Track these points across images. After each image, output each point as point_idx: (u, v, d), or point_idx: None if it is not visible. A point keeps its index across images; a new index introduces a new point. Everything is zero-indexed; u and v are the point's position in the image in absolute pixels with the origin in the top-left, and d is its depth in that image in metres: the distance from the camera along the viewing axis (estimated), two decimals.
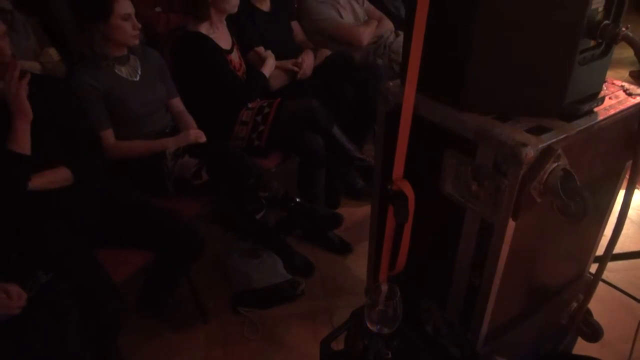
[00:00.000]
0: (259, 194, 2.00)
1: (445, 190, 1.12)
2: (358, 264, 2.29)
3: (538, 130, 0.99)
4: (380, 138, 1.29)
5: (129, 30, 1.88)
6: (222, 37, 2.29)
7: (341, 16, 2.84)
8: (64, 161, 1.69)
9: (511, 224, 1.01)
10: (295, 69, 2.55)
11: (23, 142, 1.55)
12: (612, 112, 1.09)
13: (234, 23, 2.38)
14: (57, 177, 1.66)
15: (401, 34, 2.93)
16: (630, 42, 0.95)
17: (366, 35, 2.81)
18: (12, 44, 1.66)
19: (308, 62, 2.57)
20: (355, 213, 2.54)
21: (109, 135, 1.94)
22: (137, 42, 1.95)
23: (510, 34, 0.96)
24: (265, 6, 2.60)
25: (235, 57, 2.34)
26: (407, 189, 1.16)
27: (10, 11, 2.38)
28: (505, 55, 0.98)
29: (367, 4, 3.03)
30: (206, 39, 2.18)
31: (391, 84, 1.20)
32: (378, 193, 1.36)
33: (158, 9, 2.95)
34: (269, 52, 2.46)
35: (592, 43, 1.02)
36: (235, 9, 2.27)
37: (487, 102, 1.03)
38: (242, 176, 1.94)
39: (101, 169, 1.82)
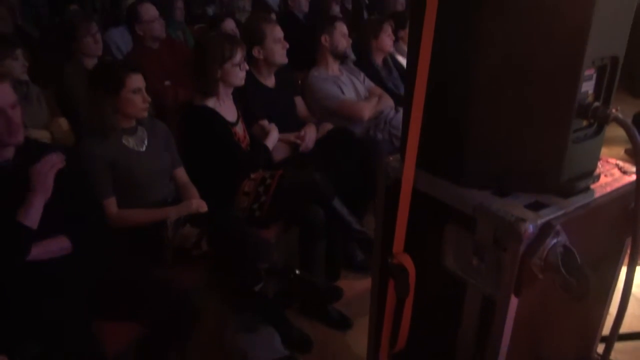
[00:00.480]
0: (259, 265, 1.98)
1: (446, 264, 1.12)
2: (358, 340, 2.22)
3: (536, 206, 1.00)
4: (381, 211, 1.30)
5: (139, 104, 1.96)
6: (228, 110, 2.37)
7: (343, 93, 2.95)
8: (63, 230, 1.69)
9: (514, 300, 1.00)
10: (298, 141, 2.61)
11: (34, 217, 1.58)
12: (609, 189, 1.11)
13: (240, 96, 2.47)
14: (56, 246, 1.66)
15: (401, 110, 3.03)
16: (621, 124, 0.99)
17: (367, 110, 2.91)
18: (24, 113, 1.72)
19: (310, 135, 2.64)
20: (356, 286, 2.50)
21: (111, 203, 1.96)
22: (145, 114, 2.02)
23: (505, 113, 1.00)
24: (270, 82, 2.72)
25: (240, 129, 2.41)
26: (408, 263, 1.15)
27: (27, 82, 2.49)
28: (501, 134, 1.02)
29: (367, 81, 3.16)
30: (213, 112, 2.26)
31: (391, 158, 1.23)
32: (378, 266, 1.35)
33: (167, 83, 3.09)
34: (273, 125, 2.54)
35: (585, 122, 1.06)
36: (242, 82, 2.37)
37: (485, 178, 1.05)
38: (241, 247, 1.93)
39: (101, 238, 1.82)
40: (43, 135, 2.38)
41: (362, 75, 3.16)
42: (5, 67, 2.32)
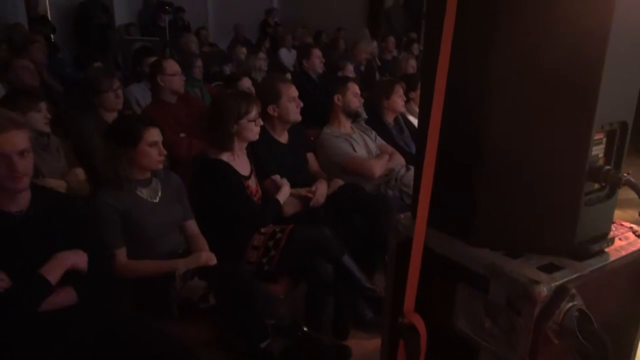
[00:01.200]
0: (266, 321, 1.95)
1: (458, 326, 1.09)
2: None
3: (550, 268, 0.99)
4: (391, 270, 1.29)
5: (155, 156, 2.00)
6: (242, 164, 2.41)
7: (355, 150, 3.00)
8: (70, 279, 1.69)
9: None
10: (309, 196, 2.63)
11: (56, 274, 1.61)
12: (624, 253, 1.09)
13: (254, 151, 2.52)
14: (63, 298, 1.65)
15: (412, 168, 3.05)
16: (633, 187, 0.99)
17: (378, 168, 2.94)
18: (44, 163, 1.76)
19: (321, 190, 2.66)
20: (365, 346, 2.42)
21: (121, 254, 1.96)
22: (161, 166, 2.06)
23: (517, 175, 1.01)
24: (284, 138, 2.77)
25: (252, 183, 2.44)
26: (419, 323, 1.13)
27: (48, 134, 2.57)
28: (513, 194, 1.02)
29: (379, 139, 3.21)
30: (227, 165, 2.30)
31: (402, 216, 1.24)
32: (388, 326, 1.32)
33: (182, 135, 3.17)
34: (285, 180, 2.57)
35: (597, 185, 1.07)
36: (257, 137, 2.42)
37: (497, 239, 1.05)
38: (249, 302, 1.90)
39: (107, 290, 1.81)
40: (59, 185, 2.42)
41: (373, 133, 3.22)
42: (28, 119, 2.40)
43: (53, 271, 1.61)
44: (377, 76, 5.85)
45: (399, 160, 3.10)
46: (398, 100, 3.38)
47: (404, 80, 3.64)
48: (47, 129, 2.56)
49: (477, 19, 0.97)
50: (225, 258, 2.11)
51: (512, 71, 0.96)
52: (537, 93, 0.96)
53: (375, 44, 6.80)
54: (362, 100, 3.16)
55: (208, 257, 2.04)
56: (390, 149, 3.16)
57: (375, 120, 3.38)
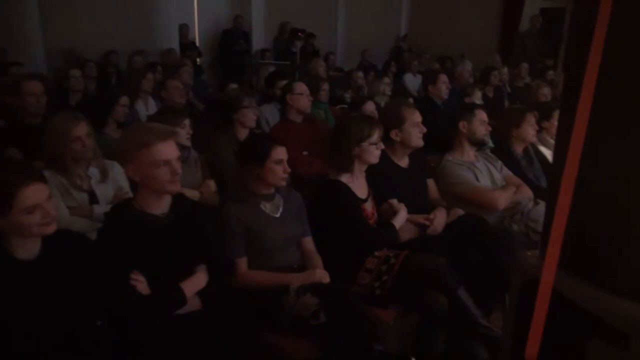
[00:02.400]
0: (374, 346, 1.92)
1: None
2: None
3: None
4: (512, 310, 1.20)
5: (280, 173, 2.11)
6: (360, 187, 2.44)
7: (478, 179, 2.88)
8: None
9: None
10: (427, 223, 2.57)
11: (192, 291, 1.78)
12: None
13: (373, 174, 2.54)
14: (189, 304, 1.78)
15: (541, 202, 2.84)
16: None
17: (502, 199, 2.78)
18: (182, 174, 1.94)
19: (440, 219, 2.59)
20: None
21: (242, 263, 2.08)
22: (284, 183, 2.16)
23: None
24: (404, 163, 2.75)
25: (369, 206, 2.46)
26: None
27: (188, 148, 2.84)
28: None
29: (505, 170, 3.04)
30: (345, 187, 2.35)
31: (529, 253, 1.15)
32: None
33: (305, 153, 3.31)
34: (402, 205, 2.54)
35: None
36: (377, 161, 2.44)
37: None
38: (359, 324, 1.90)
39: (227, 296, 1.93)
40: (193, 195, 2.66)
41: (499, 163, 3.06)
42: None
43: (191, 288, 1.78)
44: (507, 104, 5.58)
45: (527, 193, 2.91)
46: (529, 129, 3.18)
47: (537, 108, 3.43)
48: (188, 143, 2.83)
49: (629, 48, 0.89)
50: (338, 277, 2.14)
51: None
52: None
53: (505, 70, 6.51)
54: (489, 128, 3.03)
55: (322, 275, 2.08)
56: (517, 180, 2.97)
57: (502, 150, 3.21)
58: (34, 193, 1.46)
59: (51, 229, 1.52)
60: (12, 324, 1.46)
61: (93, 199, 2.36)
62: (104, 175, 2.41)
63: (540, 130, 3.40)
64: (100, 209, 2.27)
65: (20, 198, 1.44)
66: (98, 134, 2.77)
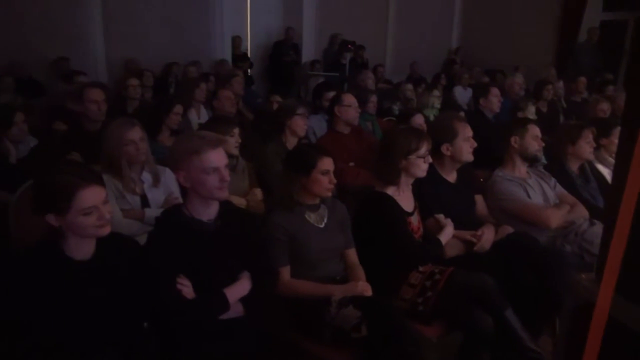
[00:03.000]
0: None
1: None
2: None
3: None
4: (564, 335, 1.15)
5: (326, 184, 2.12)
6: (406, 200, 2.41)
7: (529, 196, 2.78)
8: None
9: None
10: (474, 240, 2.50)
11: (235, 298, 1.81)
12: None
13: (419, 188, 2.50)
14: (232, 310, 1.81)
15: (597, 223, 2.72)
16: None
17: (555, 218, 2.67)
18: (230, 182, 1.98)
19: (488, 236, 2.51)
20: None
21: (285, 272, 2.10)
22: (330, 194, 2.16)
23: None
24: (452, 177, 2.70)
25: (415, 220, 2.42)
26: None
27: (237, 156, 2.90)
28: None
29: (559, 187, 2.93)
30: (391, 199, 2.32)
31: (583, 276, 1.10)
32: None
33: (351, 164, 3.31)
34: (449, 220, 2.49)
35: None
36: (424, 174, 2.40)
37: None
38: (401, 340, 1.86)
39: (270, 303, 1.94)
40: (240, 202, 2.71)
41: (552, 180, 2.95)
42: None
43: (234, 295, 1.81)
44: (562, 119, 5.38)
45: (582, 212, 2.78)
46: (586, 146, 3.05)
47: (595, 124, 3.28)
48: (236, 152, 2.89)
49: None
50: (380, 291, 2.11)
51: None
52: None
53: (561, 83, 6.28)
54: (543, 144, 2.93)
55: (364, 287, 2.06)
56: (571, 199, 2.85)
57: (556, 167, 3.09)
58: (91, 195, 1.53)
59: (105, 231, 1.59)
60: (64, 321, 1.53)
61: (145, 202, 2.45)
62: (156, 180, 2.50)
63: (597, 147, 3.25)
64: (152, 212, 2.35)
65: (78, 199, 1.51)
66: (152, 140, 2.88)
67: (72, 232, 1.56)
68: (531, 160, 2.92)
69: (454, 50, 9.88)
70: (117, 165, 2.37)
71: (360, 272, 2.20)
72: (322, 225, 2.18)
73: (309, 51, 8.65)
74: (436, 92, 5.08)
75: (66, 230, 1.56)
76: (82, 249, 1.60)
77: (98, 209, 1.54)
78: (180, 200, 2.30)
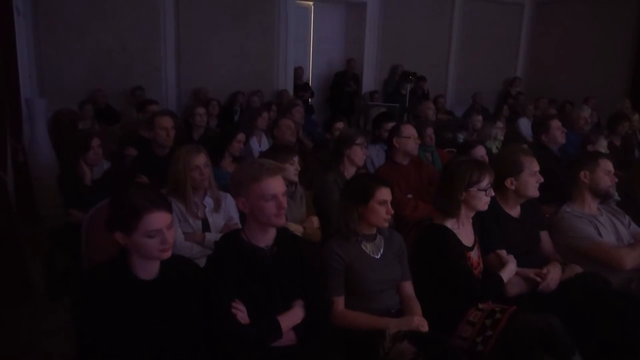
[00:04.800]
0: None
1: None
2: None
3: None
4: None
5: (383, 214, 2.10)
6: (466, 234, 2.34)
7: (600, 235, 2.62)
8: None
9: None
10: (538, 279, 2.36)
11: (288, 326, 1.82)
12: None
13: (480, 222, 2.42)
14: (284, 338, 1.81)
15: None
16: None
17: (630, 259, 2.49)
18: (288, 209, 2.01)
19: (554, 275, 2.37)
20: None
21: (340, 302, 2.08)
22: (387, 225, 2.14)
23: None
24: (515, 212, 2.59)
25: (474, 255, 2.34)
26: None
27: (296, 184, 2.94)
28: None
29: (634, 226, 2.74)
30: (451, 233, 2.26)
31: None
32: None
33: (410, 196, 3.26)
34: (511, 256, 2.38)
35: None
36: (486, 208, 2.33)
37: None
38: None
39: (323, 334, 1.93)
40: (297, 229, 2.73)
41: (627, 218, 2.76)
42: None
43: (287, 322, 1.82)
44: (637, 153, 5.07)
45: None
46: None
47: None
48: (296, 179, 2.93)
49: None
50: (437, 327, 2.04)
51: None
52: None
53: (637, 116, 5.94)
54: (616, 180, 2.76)
55: (420, 322, 2.00)
56: None
57: (630, 204, 2.91)
58: (157, 219, 1.61)
59: (167, 254, 1.65)
60: (126, 337, 1.59)
61: (206, 226, 2.53)
62: (217, 205, 2.58)
63: None
64: (212, 236, 2.42)
65: (145, 221, 1.59)
66: (215, 166, 2.99)
67: (136, 252, 1.64)
68: (603, 197, 2.75)
69: (516, 81, 9.62)
70: (182, 189, 2.47)
71: (417, 306, 2.14)
72: (378, 256, 2.15)
73: (369, 81, 8.73)
74: (499, 124, 4.95)
75: (131, 250, 1.63)
76: (147, 269, 1.67)
77: (162, 233, 1.61)
78: (239, 225, 2.36)
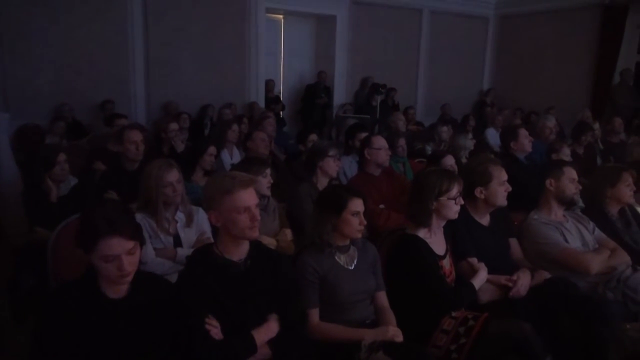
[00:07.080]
0: None
1: None
2: None
3: None
4: None
5: (356, 225, 2.10)
6: (438, 243, 2.37)
7: (567, 240, 2.69)
8: None
9: None
10: (509, 284, 2.41)
11: (263, 340, 1.80)
12: None
13: (451, 230, 2.46)
14: (259, 353, 1.79)
15: None
16: None
17: (595, 263, 2.57)
18: (261, 222, 2.00)
19: (524, 281, 2.42)
20: None
21: (315, 314, 2.07)
22: (360, 235, 2.15)
23: None
24: (485, 221, 2.64)
25: (447, 263, 2.37)
26: None
27: (268, 197, 2.93)
28: None
29: (598, 232, 2.82)
30: (423, 242, 2.29)
31: (628, 326, 1.05)
32: None
33: (382, 206, 3.28)
34: (482, 264, 2.42)
35: None
36: (456, 216, 2.36)
37: None
38: None
39: (298, 347, 1.91)
40: (270, 242, 2.71)
41: (591, 224, 2.85)
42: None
43: (262, 337, 1.80)
44: (599, 161, 5.24)
45: (624, 258, 2.67)
46: (625, 189, 2.95)
47: (634, 167, 3.19)
48: (268, 192, 2.92)
49: None
50: (412, 337, 2.05)
51: None
52: None
53: (597, 125, 6.15)
54: (580, 187, 2.85)
55: (395, 332, 2.01)
56: (612, 243, 2.74)
57: (594, 210, 3.00)
58: (114, 245, 1.54)
59: (125, 280, 1.60)
60: (95, 357, 1.54)
61: (177, 242, 2.49)
62: (190, 220, 2.54)
63: (638, 190, 3.14)
64: (184, 252, 2.38)
65: (100, 245, 1.54)
66: (186, 180, 2.95)
67: (98, 272, 1.59)
68: (568, 204, 2.83)
69: (485, 92, 9.88)
70: (154, 205, 2.43)
71: (391, 316, 2.15)
72: (352, 267, 2.16)
73: (340, 94, 8.81)
74: (470, 135, 5.05)
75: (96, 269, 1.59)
76: (115, 288, 1.63)
77: (119, 259, 1.55)
78: (212, 239, 2.33)
